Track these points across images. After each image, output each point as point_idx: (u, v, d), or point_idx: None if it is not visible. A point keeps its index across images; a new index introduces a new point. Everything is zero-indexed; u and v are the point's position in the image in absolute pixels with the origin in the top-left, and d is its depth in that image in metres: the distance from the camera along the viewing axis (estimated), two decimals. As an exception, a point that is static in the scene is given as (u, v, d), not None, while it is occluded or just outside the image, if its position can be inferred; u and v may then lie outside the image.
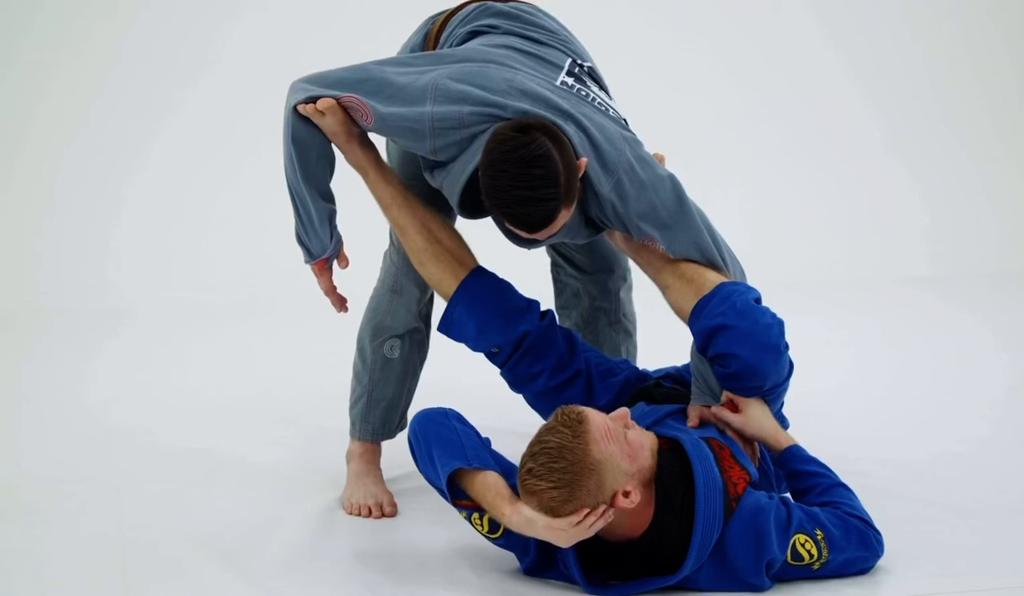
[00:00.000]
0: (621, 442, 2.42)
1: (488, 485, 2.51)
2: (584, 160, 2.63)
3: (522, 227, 2.60)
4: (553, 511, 2.39)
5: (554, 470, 2.36)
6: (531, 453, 2.40)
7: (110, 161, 6.07)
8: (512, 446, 3.07)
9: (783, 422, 2.82)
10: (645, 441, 2.47)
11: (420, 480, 3.22)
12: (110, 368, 4.56)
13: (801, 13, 6.72)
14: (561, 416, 2.42)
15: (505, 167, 2.53)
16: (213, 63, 6.14)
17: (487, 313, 2.87)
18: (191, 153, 6.12)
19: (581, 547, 2.48)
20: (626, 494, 2.40)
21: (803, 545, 2.48)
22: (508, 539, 2.56)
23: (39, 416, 3.94)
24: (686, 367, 2.95)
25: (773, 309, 2.67)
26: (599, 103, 2.77)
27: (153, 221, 6.04)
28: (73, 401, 4.08)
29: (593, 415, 2.42)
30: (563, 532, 2.41)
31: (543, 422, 2.89)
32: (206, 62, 6.13)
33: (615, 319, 3.26)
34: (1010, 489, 3.12)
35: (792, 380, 2.76)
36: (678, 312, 2.75)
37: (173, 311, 5.55)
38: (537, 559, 2.56)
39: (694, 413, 2.75)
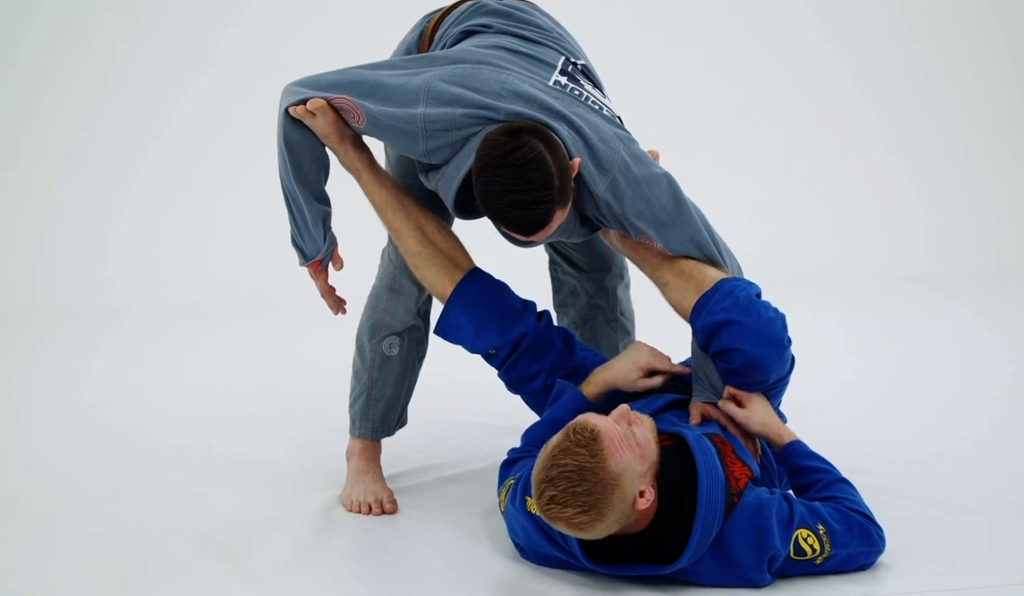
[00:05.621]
0: (633, 445, 2.41)
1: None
2: (578, 160, 2.62)
3: (518, 230, 2.59)
4: (582, 532, 2.39)
5: (578, 494, 2.34)
6: (548, 478, 2.36)
7: (107, 160, 6.08)
8: (506, 443, 3.07)
9: (781, 418, 2.82)
10: (648, 432, 2.47)
11: (420, 478, 3.24)
12: (108, 367, 4.56)
13: (802, 12, 6.73)
14: (573, 434, 2.37)
15: (498, 172, 2.52)
16: (210, 63, 6.15)
17: (484, 315, 2.86)
18: (188, 153, 6.14)
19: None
20: (642, 494, 2.40)
21: (805, 540, 2.48)
22: (509, 517, 2.62)
23: (37, 416, 3.93)
24: (684, 364, 2.94)
25: (774, 305, 2.67)
26: (593, 102, 2.77)
27: (151, 220, 6.05)
28: (71, 400, 4.08)
29: (605, 426, 2.39)
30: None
31: (533, 422, 2.89)
32: (203, 62, 6.14)
33: (612, 317, 3.26)
34: (1011, 487, 3.11)
35: (792, 377, 2.76)
36: (678, 309, 2.75)
37: (171, 310, 5.56)
38: (536, 537, 2.56)
39: (696, 410, 2.74)
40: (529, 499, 2.56)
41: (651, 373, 2.83)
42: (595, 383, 2.83)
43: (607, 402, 2.80)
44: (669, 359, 2.85)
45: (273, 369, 4.49)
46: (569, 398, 2.80)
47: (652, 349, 2.85)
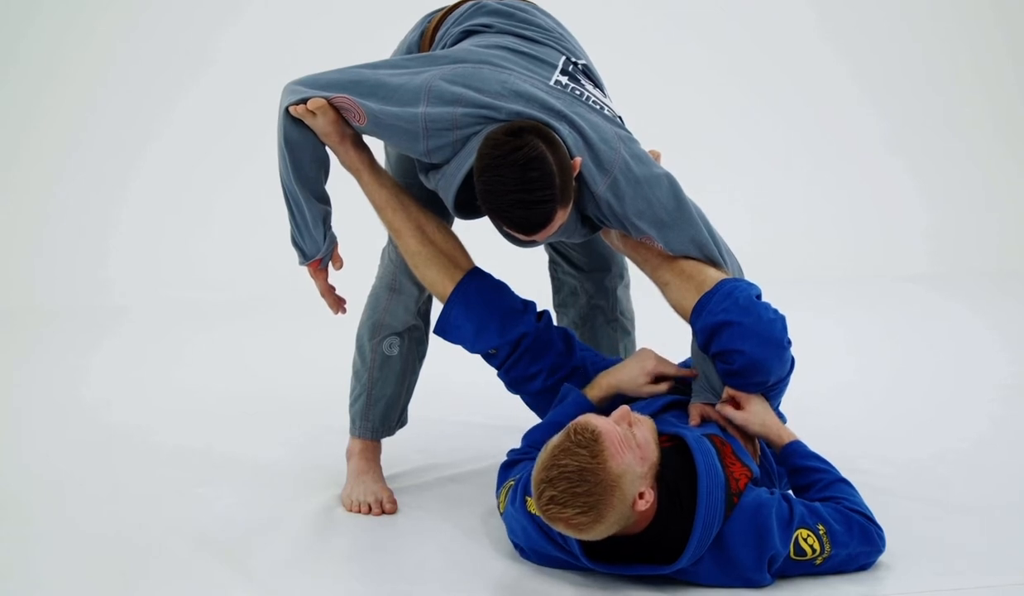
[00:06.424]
0: (633, 447, 2.41)
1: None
2: (579, 160, 2.62)
3: (519, 230, 2.59)
4: (581, 533, 2.39)
5: (578, 494, 2.34)
6: (548, 478, 2.36)
7: (107, 161, 6.08)
8: (506, 443, 3.07)
9: (780, 418, 2.82)
10: (649, 434, 2.47)
11: (420, 478, 3.24)
12: (108, 367, 4.56)
13: (802, 12, 6.73)
14: (574, 435, 2.37)
15: (500, 171, 2.52)
16: (210, 63, 6.15)
17: (484, 315, 2.86)
18: (188, 153, 6.14)
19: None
20: (641, 495, 2.40)
21: (805, 540, 2.48)
22: (509, 518, 2.62)
23: (37, 415, 3.93)
24: (684, 364, 2.95)
25: (774, 306, 2.67)
26: (593, 102, 2.77)
27: (151, 220, 6.04)
28: (71, 400, 4.08)
29: (605, 427, 2.39)
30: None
31: (538, 420, 2.90)
32: (203, 62, 6.14)
33: (612, 317, 3.26)
34: (1011, 487, 3.11)
35: (792, 377, 2.76)
36: (678, 309, 2.75)
37: (171, 310, 5.55)
38: (536, 537, 2.57)
39: (696, 411, 2.74)
40: (529, 499, 2.56)
41: (658, 379, 2.83)
42: (600, 387, 2.84)
43: (609, 404, 2.80)
44: (675, 365, 2.85)
45: (273, 369, 4.49)
46: (572, 402, 2.80)
47: (659, 355, 2.85)
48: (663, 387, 2.82)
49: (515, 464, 2.79)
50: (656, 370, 2.82)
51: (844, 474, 2.68)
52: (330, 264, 2.94)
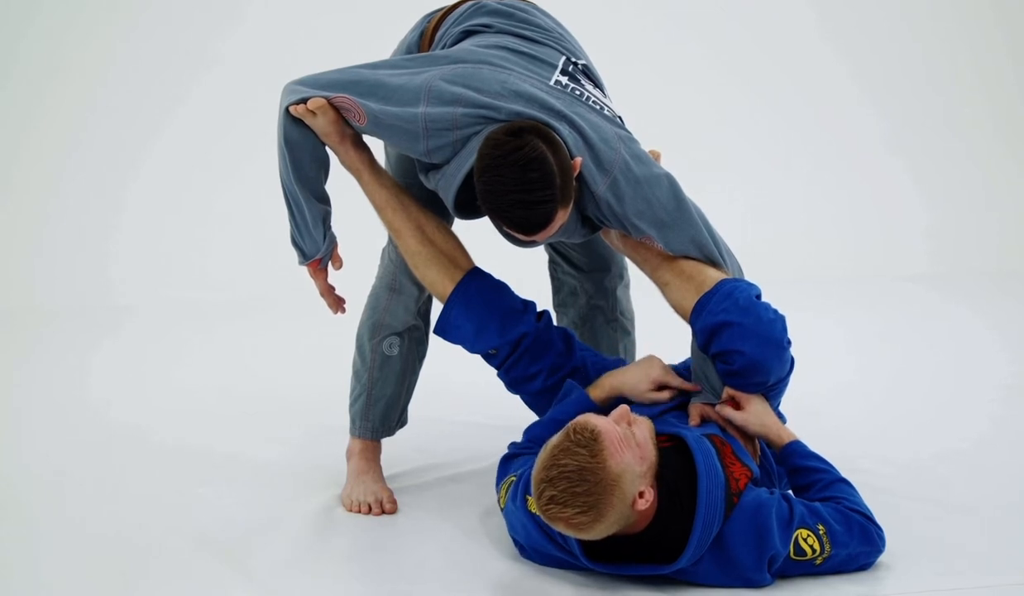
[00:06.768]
0: (632, 446, 2.41)
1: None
2: (579, 160, 2.62)
3: (519, 230, 2.59)
4: (581, 532, 2.39)
5: (578, 494, 2.34)
6: (548, 478, 2.36)
7: (108, 161, 6.08)
8: (506, 443, 3.07)
9: (780, 418, 2.83)
10: (647, 433, 2.47)
11: (420, 477, 3.24)
12: (110, 367, 4.56)
13: (802, 12, 6.73)
14: (574, 434, 2.38)
15: (500, 172, 2.52)
16: (210, 63, 6.15)
17: (484, 315, 2.86)
18: (190, 153, 6.14)
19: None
20: (641, 495, 2.40)
21: (805, 540, 2.48)
22: (509, 515, 2.62)
23: (39, 415, 3.93)
24: (683, 364, 2.95)
25: (774, 306, 2.67)
26: (593, 102, 2.77)
27: (153, 220, 6.05)
28: (72, 400, 4.08)
29: (605, 427, 2.39)
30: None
31: (537, 419, 2.90)
32: (203, 62, 6.14)
33: (612, 317, 3.26)
34: (1011, 487, 3.12)
35: (792, 377, 2.76)
36: (678, 309, 2.75)
37: (173, 309, 5.56)
38: (536, 536, 2.57)
39: (695, 411, 2.74)
40: (530, 498, 2.56)
41: (661, 387, 2.83)
42: (603, 388, 2.83)
43: (610, 405, 2.79)
44: (679, 377, 2.84)
45: (273, 369, 4.49)
46: (575, 400, 2.80)
47: (665, 365, 2.84)
48: (665, 395, 2.81)
49: (515, 457, 2.79)
50: (661, 379, 2.81)
51: (844, 474, 2.68)
52: (330, 264, 2.94)
